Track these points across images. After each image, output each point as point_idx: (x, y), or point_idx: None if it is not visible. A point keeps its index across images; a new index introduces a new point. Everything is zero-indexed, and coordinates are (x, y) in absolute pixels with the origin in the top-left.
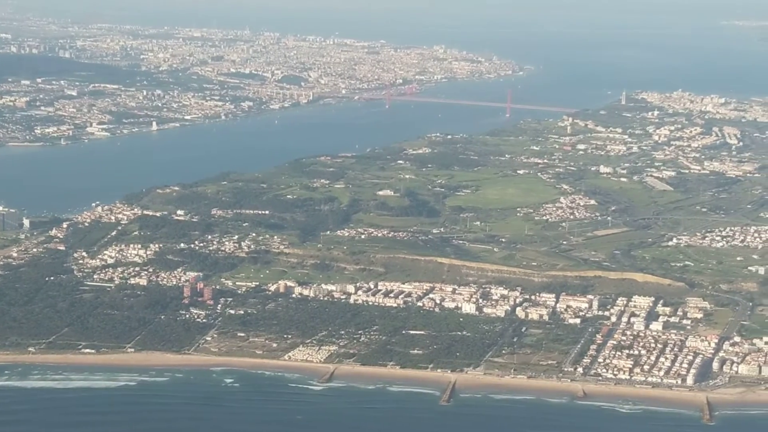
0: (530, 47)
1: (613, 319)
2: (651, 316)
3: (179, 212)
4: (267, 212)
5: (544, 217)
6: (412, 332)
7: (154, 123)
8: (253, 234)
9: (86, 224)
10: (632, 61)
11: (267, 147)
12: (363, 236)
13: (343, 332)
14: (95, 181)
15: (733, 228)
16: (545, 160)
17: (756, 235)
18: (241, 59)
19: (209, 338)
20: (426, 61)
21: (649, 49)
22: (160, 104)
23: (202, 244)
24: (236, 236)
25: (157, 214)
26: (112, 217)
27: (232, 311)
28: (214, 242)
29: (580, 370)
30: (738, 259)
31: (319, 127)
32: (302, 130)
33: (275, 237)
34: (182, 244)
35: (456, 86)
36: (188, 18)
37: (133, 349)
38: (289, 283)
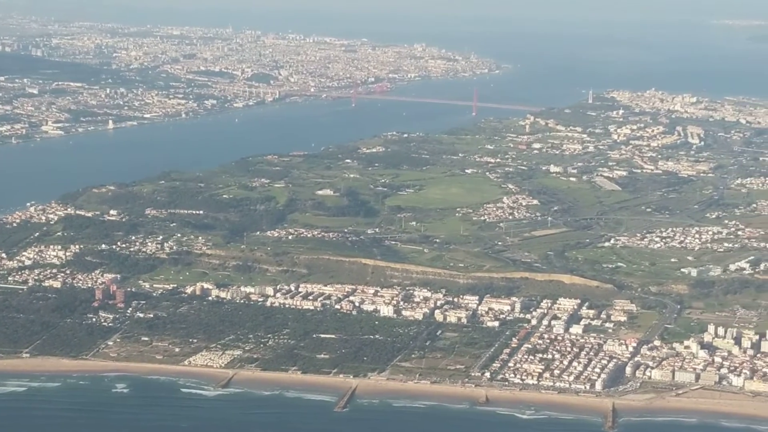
0: (515, 46)
1: (534, 321)
2: (573, 318)
3: (112, 212)
4: (201, 212)
5: (483, 218)
6: (322, 336)
7: (110, 121)
8: (178, 235)
9: (15, 224)
10: (614, 60)
11: (219, 145)
12: (291, 237)
13: (251, 336)
14: (36, 180)
15: (674, 229)
16: (498, 159)
17: (696, 236)
18: (214, 57)
19: (111, 343)
20: (402, 60)
21: (635, 48)
22: (121, 102)
23: (124, 245)
24: (160, 237)
25: (89, 214)
26: (43, 217)
27: (142, 314)
28: (137, 243)
29: (487, 374)
30: (672, 260)
31: (279, 125)
32: (261, 129)
33: (199, 238)
34: (103, 245)
35: (429, 85)
36: (177, 16)
37: (28, 354)
38: (206, 285)
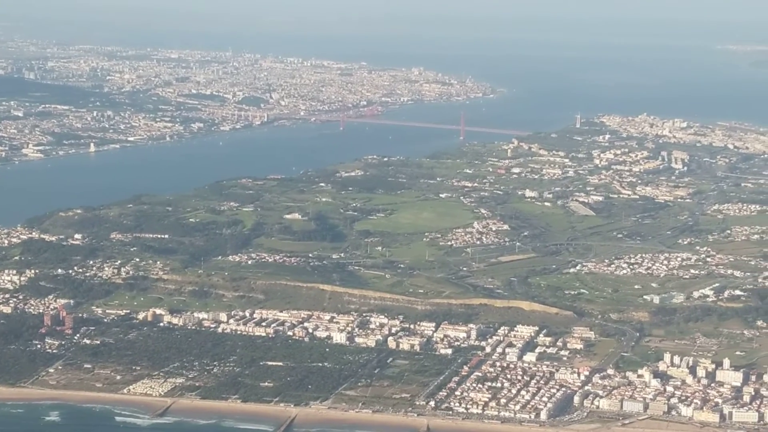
0: (514, 69)
1: (488, 349)
2: (528, 346)
3: (77, 236)
4: (166, 236)
5: (450, 243)
6: (269, 363)
7: (92, 144)
8: (137, 259)
9: None
10: (612, 84)
11: (198, 169)
12: (251, 262)
13: (196, 363)
14: (5, 203)
15: (644, 255)
16: (474, 184)
17: (665, 262)
18: (207, 80)
19: (52, 370)
20: (397, 83)
21: (634, 72)
22: (107, 125)
23: (80, 270)
24: (118, 262)
25: (52, 239)
26: (6, 241)
27: (88, 341)
28: (94, 268)
29: (432, 403)
30: (636, 287)
31: (263, 149)
32: (244, 152)
33: (158, 263)
34: (59, 270)
35: (421, 108)
36: (181, 38)
37: None
38: (159, 311)
